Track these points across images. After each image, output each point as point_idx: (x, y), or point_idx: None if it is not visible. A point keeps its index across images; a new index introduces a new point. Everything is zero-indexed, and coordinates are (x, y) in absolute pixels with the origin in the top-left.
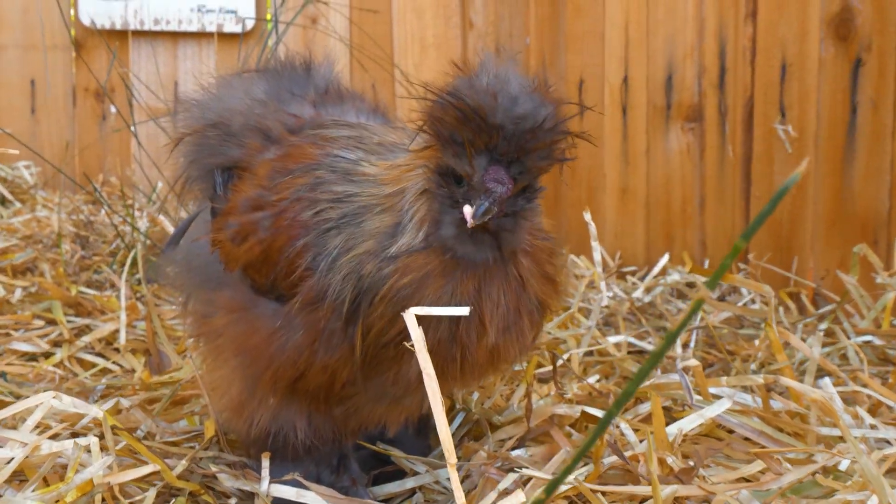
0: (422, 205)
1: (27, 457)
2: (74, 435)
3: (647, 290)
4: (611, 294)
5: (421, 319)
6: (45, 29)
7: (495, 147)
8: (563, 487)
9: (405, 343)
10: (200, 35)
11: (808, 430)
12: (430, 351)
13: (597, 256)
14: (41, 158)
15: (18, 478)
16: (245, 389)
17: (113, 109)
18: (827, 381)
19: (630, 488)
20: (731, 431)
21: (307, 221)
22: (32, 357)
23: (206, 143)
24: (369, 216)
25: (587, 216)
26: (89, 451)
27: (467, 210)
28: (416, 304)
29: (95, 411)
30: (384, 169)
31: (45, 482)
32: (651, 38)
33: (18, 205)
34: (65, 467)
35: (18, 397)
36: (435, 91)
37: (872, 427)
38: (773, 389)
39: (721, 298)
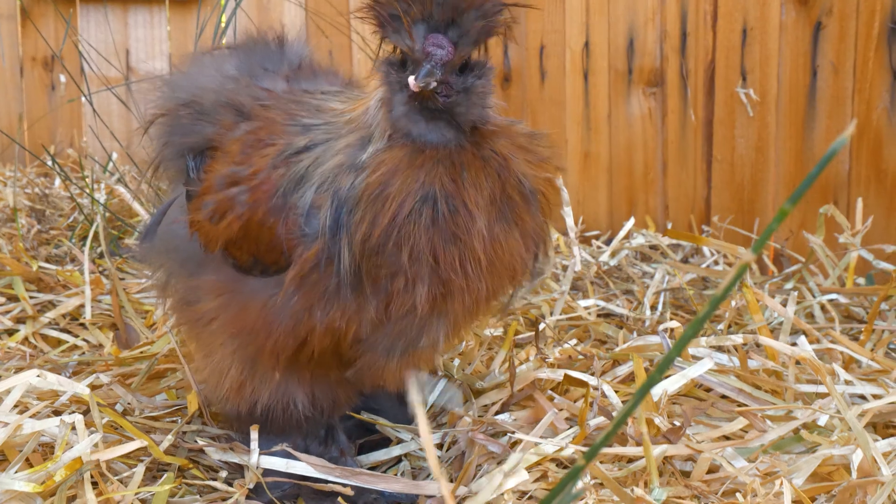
0: (382, 110)
1: (9, 437)
2: (55, 413)
3: (613, 254)
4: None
5: (405, 219)
6: None
7: (430, 15)
8: (549, 450)
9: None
10: (152, 2)
11: (787, 387)
12: (424, 253)
13: (569, 222)
14: None
15: None
16: (245, 369)
17: (63, 79)
18: (802, 339)
19: (619, 449)
20: (709, 390)
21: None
22: None
23: (179, 123)
24: (337, 139)
25: (559, 181)
26: (74, 429)
27: (411, 79)
28: (390, 199)
29: (81, 388)
30: (348, 103)
31: (28, 462)
32: (612, 3)
33: None
34: (46, 446)
35: None
36: None
37: (848, 383)
38: (749, 349)
39: (685, 260)
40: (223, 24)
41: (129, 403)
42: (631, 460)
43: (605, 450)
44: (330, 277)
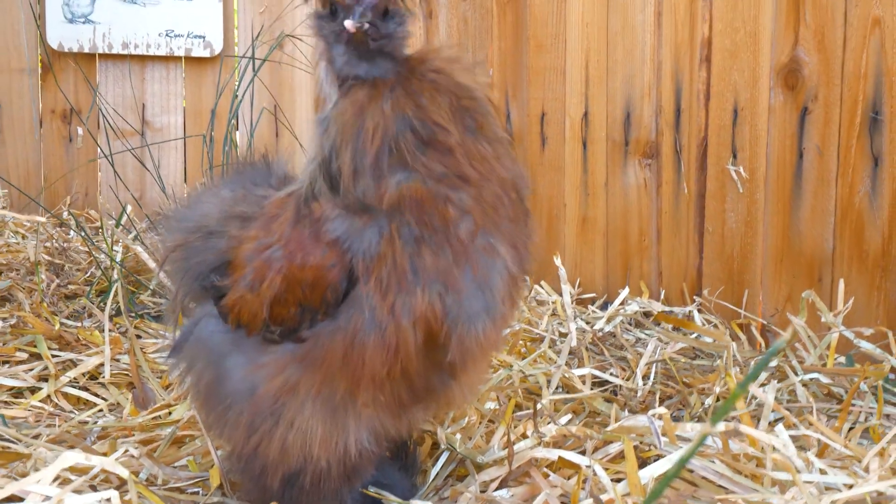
0: (328, 67)
1: None
2: (91, 486)
3: (609, 320)
4: (574, 327)
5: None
6: (12, 52)
7: None
8: None
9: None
10: (168, 58)
11: (765, 473)
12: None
13: (566, 298)
14: (8, 184)
15: None
16: (330, 420)
17: (80, 131)
18: (780, 427)
19: None
20: (691, 471)
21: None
22: (19, 392)
23: (193, 248)
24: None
25: (557, 260)
26: (109, 502)
27: (347, 22)
28: (369, 132)
29: (121, 470)
30: None
31: None
32: (610, 76)
33: None
34: None
35: (19, 441)
36: None
37: (822, 472)
38: (731, 435)
39: (676, 329)
40: (238, 96)
41: (153, 474)
42: None
43: None
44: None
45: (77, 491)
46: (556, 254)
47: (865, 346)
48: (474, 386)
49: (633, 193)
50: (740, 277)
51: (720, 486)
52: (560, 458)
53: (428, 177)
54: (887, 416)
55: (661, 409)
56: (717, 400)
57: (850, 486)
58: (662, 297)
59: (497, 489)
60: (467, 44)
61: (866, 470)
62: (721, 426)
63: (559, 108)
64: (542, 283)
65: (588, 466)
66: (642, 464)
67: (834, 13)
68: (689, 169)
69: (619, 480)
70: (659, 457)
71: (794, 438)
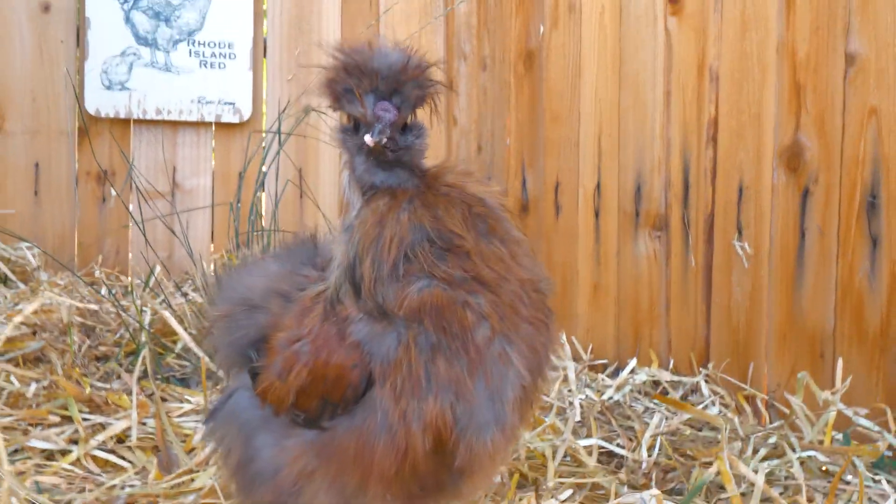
0: (350, 175)
1: None
2: None
3: (618, 389)
4: (583, 397)
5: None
6: (52, 115)
7: (377, 87)
8: None
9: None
10: (199, 124)
11: None
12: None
13: (571, 375)
14: (45, 253)
15: None
16: None
17: (113, 192)
18: None
19: None
20: None
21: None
22: (50, 454)
23: (236, 321)
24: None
25: (563, 338)
26: None
27: (367, 137)
28: (387, 241)
29: None
30: None
31: None
32: (622, 150)
33: (22, 286)
34: None
35: None
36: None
37: None
38: None
39: (684, 398)
40: (263, 170)
41: None
42: None
43: None
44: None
45: None
46: (562, 330)
47: (863, 423)
48: (482, 485)
49: (644, 263)
50: (746, 350)
51: None
52: None
53: (448, 283)
54: (881, 494)
55: (655, 491)
56: (718, 474)
57: None
58: (672, 365)
59: None
60: (486, 114)
61: None
62: None
63: (573, 178)
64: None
65: None
66: None
67: (833, 101)
68: (697, 242)
69: None
70: None
71: None
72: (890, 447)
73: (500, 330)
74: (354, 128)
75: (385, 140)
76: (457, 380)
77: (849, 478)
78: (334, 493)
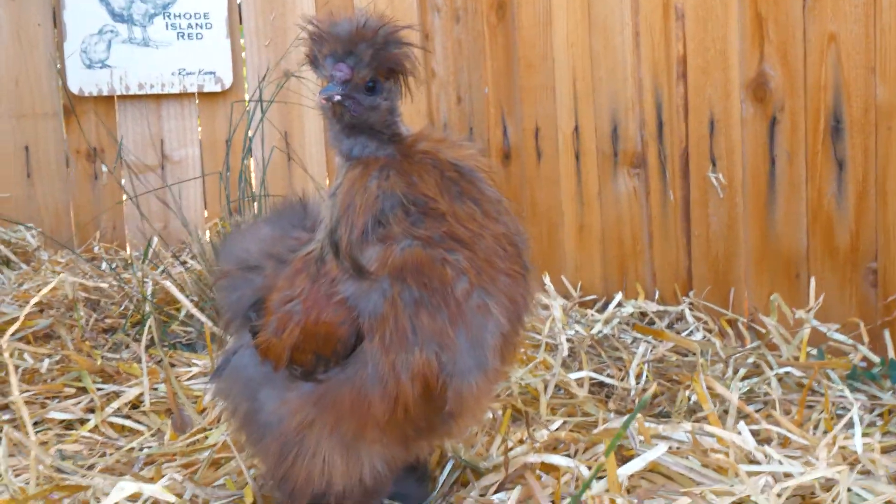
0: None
1: None
2: None
3: (606, 322)
4: (573, 332)
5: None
6: (36, 98)
7: (335, 50)
8: None
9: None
10: (182, 95)
11: (728, 464)
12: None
13: (557, 313)
14: (39, 226)
15: None
16: (345, 454)
17: (105, 168)
18: (742, 424)
19: None
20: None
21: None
22: (69, 424)
23: (234, 281)
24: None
25: (546, 277)
26: None
27: (319, 94)
28: (358, 202)
29: (170, 497)
30: None
31: None
32: (596, 93)
33: (24, 266)
34: None
35: (76, 473)
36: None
37: (779, 462)
38: (700, 434)
39: (670, 326)
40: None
41: (195, 495)
42: None
43: None
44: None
45: None
46: (545, 271)
47: (837, 337)
48: (471, 424)
49: (625, 202)
50: (725, 276)
51: (691, 479)
52: (542, 462)
53: (427, 243)
54: (852, 403)
55: (637, 415)
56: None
57: (802, 474)
58: (657, 296)
59: (495, 493)
60: (463, 65)
61: (818, 458)
62: (688, 426)
63: (552, 123)
64: (546, 285)
65: (575, 467)
66: (625, 461)
67: (794, 30)
68: (674, 177)
69: (602, 478)
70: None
71: (762, 431)
72: (864, 358)
73: (478, 283)
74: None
75: (338, 97)
76: (440, 331)
77: (824, 391)
78: (335, 440)
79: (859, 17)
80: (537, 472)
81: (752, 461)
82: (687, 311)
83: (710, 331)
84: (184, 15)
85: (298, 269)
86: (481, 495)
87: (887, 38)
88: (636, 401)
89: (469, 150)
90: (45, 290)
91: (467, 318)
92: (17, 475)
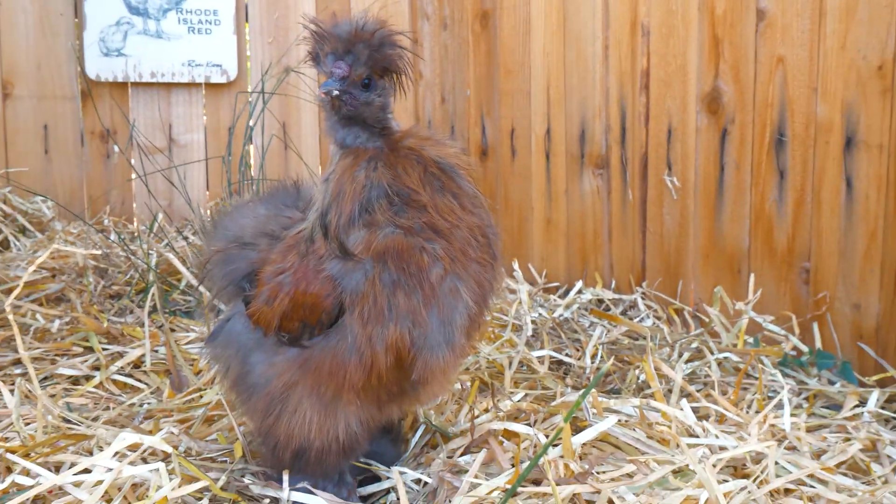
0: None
1: (114, 480)
2: (143, 460)
3: (567, 307)
4: (536, 315)
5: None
6: (56, 82)
7: (335, 49)
8: (484, 491)
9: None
10: (190, 85)
11: (671, 436)
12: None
13: (523, 296)
14: (54, 199)
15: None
16: (323, 412)
17: (116, 149)
18: (684, 402)
19: (536, 488)
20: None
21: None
22: (76, 380)
23: (230, 255)
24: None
25: (515, 264)
26: (158, 472)
27: (318, 88)
28: (347, 196)
29: (167, 447)
30: None
31: (126, 499)
32: (568, 99)
33: (39, 235)
34: (135, 486)
35: (82, 424)
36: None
37: (716, 436)
38: (646, 409)
39: (623, 312)
40: (251, 126)
41: (189, 447)
42: (550, 496)
43: (526, 488)
44: (373, 297)
45: (132, 463)
46: (514, 259)
47: (771, 328)
48: (439, 393)
49: (588, 199)
50: (675, 269)
51: (637, 448)
52: (505, 429)
53: (408, 231)
54: (782, 387)
55: (592, 390)
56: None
57: (735, 447)
58: (614, 285)
59: (461, 455)
60: (448, 69)
61: (750, 434)
62: (636, 401)
63: (526, 125)
64: (515, 271)
65: (534, 435)
66: (578, 430)
67: (747, 52)
68: (634, 179)
69: (558, 445)
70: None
71: (702, 408)
72: (794, 347)
73: (452, 270)
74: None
75: (336, 92)
76: (414, 310)
77: (759, 375)
78: (314, 400)
79: (805, 43)
80: (500, 438)
81: (692, 434)
82: (639, 300)
83: (659, 318)
84: (195, 11)
85: (290, 245)
86: (449, 457)
87: (829, 62)
88: (591, 378)
89: (451, 149)
90: (39, 260)
91: (440, 299)
92: (27, 424)
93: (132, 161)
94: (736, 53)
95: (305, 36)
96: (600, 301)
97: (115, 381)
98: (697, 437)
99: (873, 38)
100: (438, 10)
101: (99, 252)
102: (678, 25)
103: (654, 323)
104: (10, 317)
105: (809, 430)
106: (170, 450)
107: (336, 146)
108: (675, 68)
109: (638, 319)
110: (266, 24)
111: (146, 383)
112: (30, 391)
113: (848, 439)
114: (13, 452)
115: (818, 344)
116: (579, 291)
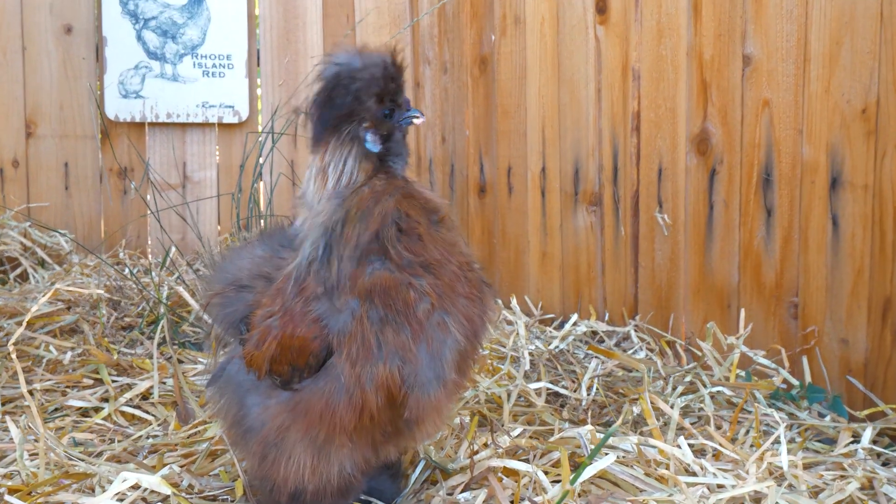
0: (359, 160)
1: None
2: (143, 499)
3: (563, 339)
4: (533, 347)
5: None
6: (77, 121)
7: (399, 88)
8: None
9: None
10: (204, 125)
11: (669, 476)
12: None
13: (521, 330)
14: (73, 233)
15: None
16: (316, 456)
17: (133, 185)
18: (682, 439)
19: None
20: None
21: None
22: (85, 411)
23: (228, 299)
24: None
25: (513, 301)
26: None
27: (417, 116)
28: (376, 215)
29: (166, 489)
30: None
31: None
32: (562, 139)
33: (57, 268)
34: None
35: (83, 460)
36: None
37: (714, 474)
38: (645, 445)
39: (617, 345)
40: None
41: (191, 484)
42: None
43: None
44: (361, 336)
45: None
46: (511, 291)
47: (762, 361)
48: (433, 431)
49: (582, 234)
50: (667, 303)
51: (635, 486)
52: (504, 467)
53: (396, 266)
54: (776, 421)
55: (589, 427)
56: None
57: (734, 486)
58: (607, 318)
59: (461, 492)
60: (448, 110)
61: (748, 472)
62: (634, 439)
63: (522, 163)
64: (512, 298)
65: (533, 472)
66: (577, 467)
67: (734, 95)
68: (626, 215)
69: (557, 482)
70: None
71: (696, 443)
72: (784, 381)
73: (439, 305)
74: (386, 116)
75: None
76: (402, 346)
77: (751, 409)
78: (307, 444)
79: (790, 86)
80: (499, 475)
81: (690, 473)
82: (632, 332)
83: (651, 350)
84: (209, 56)
85: (280, 287)
86: (449, 494)
87: (813, 105)
88: (587, 411)
89: (432, 194)
90: (42, 300)
91: (428, 334)
92: (32, 457)
93: (147, 197)
94: (723, 97)
95: (312, 78)
96: (594, 333)
97: (123, 413)
98: (696, 475)
99: (857, 84)
100: (439, 55)
101: (101, 291)
102: (668, 70)
103: (646, 355)
104: (13, 355)
105: (806, 466)
106: (169, 491)
107: (400, 167)
108: (665, 111)
109: (631, 351)
110: (277, 68)
111: (154, 415)
112: (33, 429)
113: (844, 477)
114: (15, 492)
115: (808, 377)
116: (574, 323)
